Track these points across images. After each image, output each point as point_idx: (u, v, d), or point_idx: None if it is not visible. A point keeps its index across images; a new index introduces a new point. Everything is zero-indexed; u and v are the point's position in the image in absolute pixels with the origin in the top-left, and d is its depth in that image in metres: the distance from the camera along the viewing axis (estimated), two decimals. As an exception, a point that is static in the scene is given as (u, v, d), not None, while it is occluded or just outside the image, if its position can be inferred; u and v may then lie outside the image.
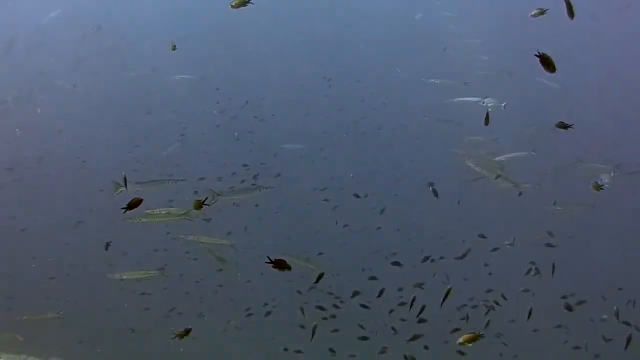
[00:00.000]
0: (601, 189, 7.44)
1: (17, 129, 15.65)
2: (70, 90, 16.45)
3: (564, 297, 10.09)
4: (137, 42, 18.88)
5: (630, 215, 13.51)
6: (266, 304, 11.34)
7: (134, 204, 5.92)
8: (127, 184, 7.76)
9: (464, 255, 9.76)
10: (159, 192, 8.51)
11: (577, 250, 11.46)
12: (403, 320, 10.56)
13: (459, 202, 11.82)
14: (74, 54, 17.77)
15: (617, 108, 15.05)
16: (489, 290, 10.49)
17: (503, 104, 10.71)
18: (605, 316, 10.18)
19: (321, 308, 10.25)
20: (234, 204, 9.45)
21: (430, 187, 10.32)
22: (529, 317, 8.48)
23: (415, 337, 9.36)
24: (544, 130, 12.35)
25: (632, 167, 11.86)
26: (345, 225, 12.51)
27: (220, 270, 11.10)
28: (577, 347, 10.39)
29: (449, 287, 8.13)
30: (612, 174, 10.38)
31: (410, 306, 8.61)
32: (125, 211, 5.92)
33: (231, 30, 19.34)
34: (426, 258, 9.89)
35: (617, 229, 13.28)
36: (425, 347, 9.93)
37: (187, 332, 6.71)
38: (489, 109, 10.45)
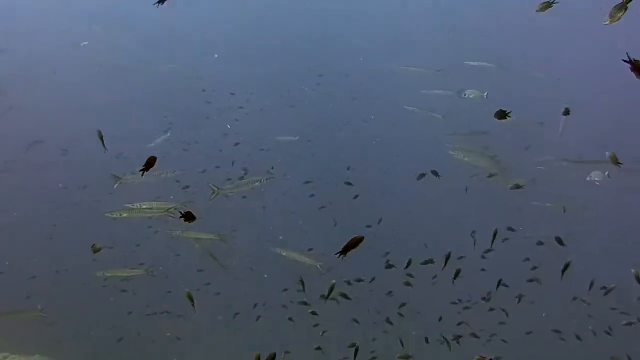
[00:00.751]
0: (619, 164, 7.21)
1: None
2: (54, 80, 16.11)
3: (575, 298, 10.03)
4: (126, 33, 18.54)
5: (625, 213, 13.40)
6: (256, 305, 11.14)
7: (150, 163, 5.67)
8: (120, 178, 8.03)
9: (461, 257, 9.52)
10: (153, 184, 8.38)
11: (573, 249, 11.34)
12: (401, 315, 10.44)
13: (466, 190, 11.61)
14: (62, 43, 17.42)
15: (615, 104, 14.92)
16: (488, 297, 10.39)
17: (485, 93, 10.47)
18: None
19: (304, 303, 10.12)
20: (225, 195, 9.25)
21: (430, 171, 10.18)
22: (563, 273, 8.18)
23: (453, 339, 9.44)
24: (539, 126, 12.21)
25: (628, 164, 11.67)
26: (335, 224, 12.35)
27: (201, 271, 10.93)
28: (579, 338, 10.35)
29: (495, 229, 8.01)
30: (606, 173, 10.20)
31: (444, 265, 8.42)
32: (143, 173, 5.71)
33: (222, 26, 19.13)
34: (426, 262, 9.72)
35: (612, 226, 13.18)
36: (426, 340, 9.95)
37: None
38: (483, 98, 10.30)
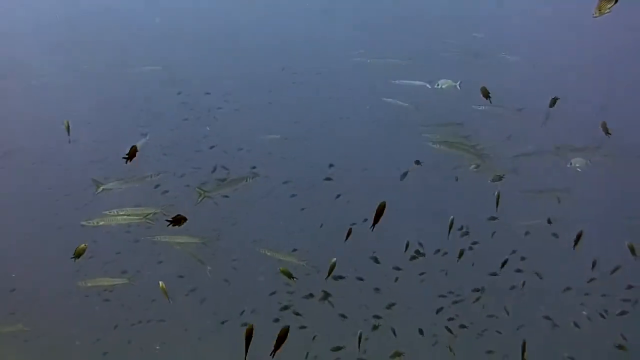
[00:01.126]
0: (609, 134, 7.24)
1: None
2: (30, 86, 15.78)
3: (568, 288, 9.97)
4: (102, 36, 18.22)
5: (611, 200, 13.39)
6: (243, 312, 10.97)
7: (132, 153, 5.89)
8: (102, 184, 7.97)
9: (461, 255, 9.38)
10: (131, 189, 8.29)
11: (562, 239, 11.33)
12: (390, 307, 10.33)
13: (457, 179, 11.52)
14: (38, 48, 17.06)
15: (597, 92, 14.90)
16: (478, 289, 10.35)
17: (458, 83, 10.39)
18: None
19: (286, 307, 10.03)
20: (210, 197, 9.08)
21: (414, 162, 10.17)
22: (576, 243, 8.03)
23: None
24: (518, 114, 12.14)
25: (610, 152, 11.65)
26: (322, 225, 12.26)
27: (181, 277, 10.75)
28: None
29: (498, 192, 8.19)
30: (588, 161, 10.18)
31: (449, 229, 8.35)
32: (127, 161, 5.88)
33: (199, 26, 18.90)
34: (413, 257, 9.67)
35: (595, 214, 13.15)
36: (421, 332, 9.96)
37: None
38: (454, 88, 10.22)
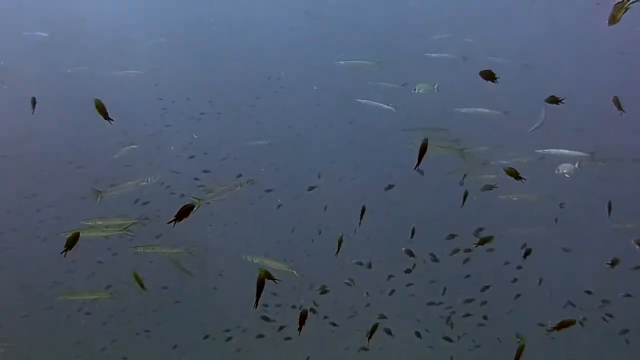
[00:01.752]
0: (622, 110, 7.19)
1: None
2: (4, 90, 15.39)
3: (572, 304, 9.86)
4: (81, 38, 17.91)
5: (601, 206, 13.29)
6: (228, 330, 10.71)
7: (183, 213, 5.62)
8: (101, 192, 7.85)
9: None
10: (114, 198, 8.09)
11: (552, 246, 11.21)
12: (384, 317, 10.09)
13: (461, 182, 11.33)
14: (18, 49, 16.71)
15: (591, 93, 14.83)
16: (470, 300, 10.21)
17: (436, 86, 10.21)
18: None
19: (266, 319, 9.80)
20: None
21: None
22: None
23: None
24: (508, 118, 12.00)
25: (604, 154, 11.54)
26: (313, 240, 12.08)
27: (166, 288, 10.50)
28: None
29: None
30: (576, 165, 10.06)
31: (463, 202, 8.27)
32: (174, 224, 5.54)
33: (178, 32, 18.68)
34: (408, 270, 9.50)
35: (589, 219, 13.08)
36: (418, 335, 10.11)
37: None
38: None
